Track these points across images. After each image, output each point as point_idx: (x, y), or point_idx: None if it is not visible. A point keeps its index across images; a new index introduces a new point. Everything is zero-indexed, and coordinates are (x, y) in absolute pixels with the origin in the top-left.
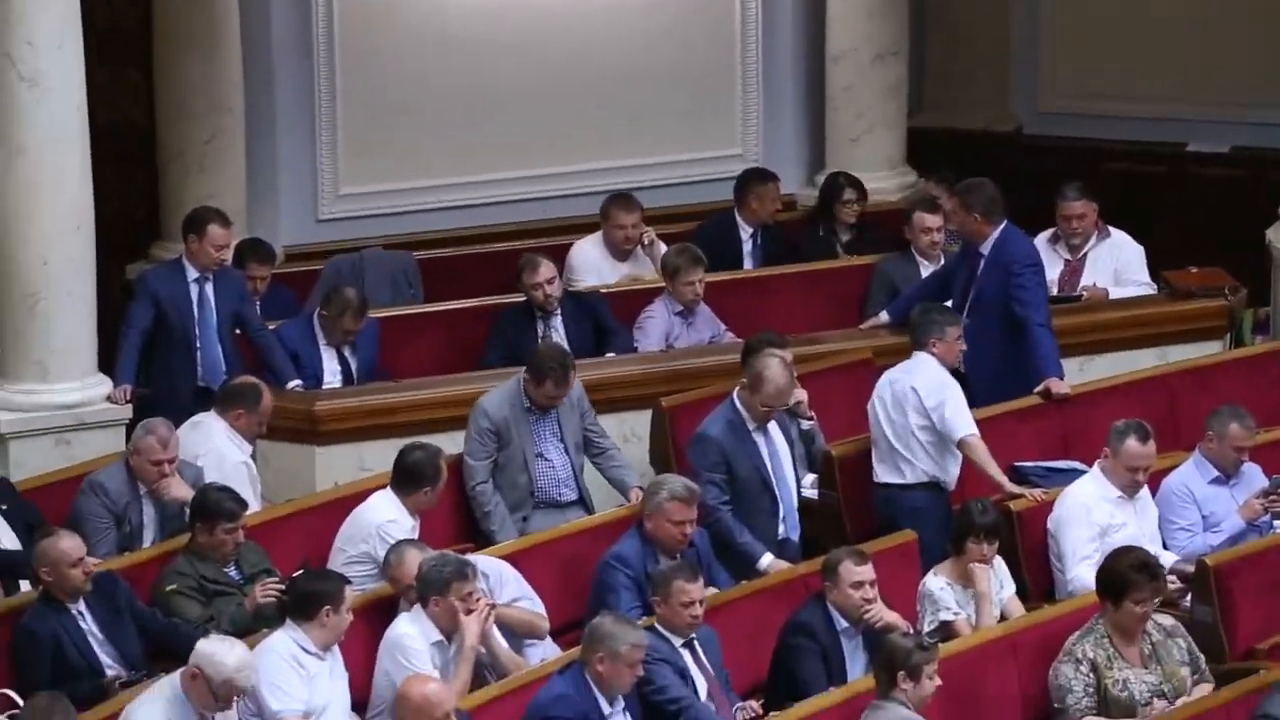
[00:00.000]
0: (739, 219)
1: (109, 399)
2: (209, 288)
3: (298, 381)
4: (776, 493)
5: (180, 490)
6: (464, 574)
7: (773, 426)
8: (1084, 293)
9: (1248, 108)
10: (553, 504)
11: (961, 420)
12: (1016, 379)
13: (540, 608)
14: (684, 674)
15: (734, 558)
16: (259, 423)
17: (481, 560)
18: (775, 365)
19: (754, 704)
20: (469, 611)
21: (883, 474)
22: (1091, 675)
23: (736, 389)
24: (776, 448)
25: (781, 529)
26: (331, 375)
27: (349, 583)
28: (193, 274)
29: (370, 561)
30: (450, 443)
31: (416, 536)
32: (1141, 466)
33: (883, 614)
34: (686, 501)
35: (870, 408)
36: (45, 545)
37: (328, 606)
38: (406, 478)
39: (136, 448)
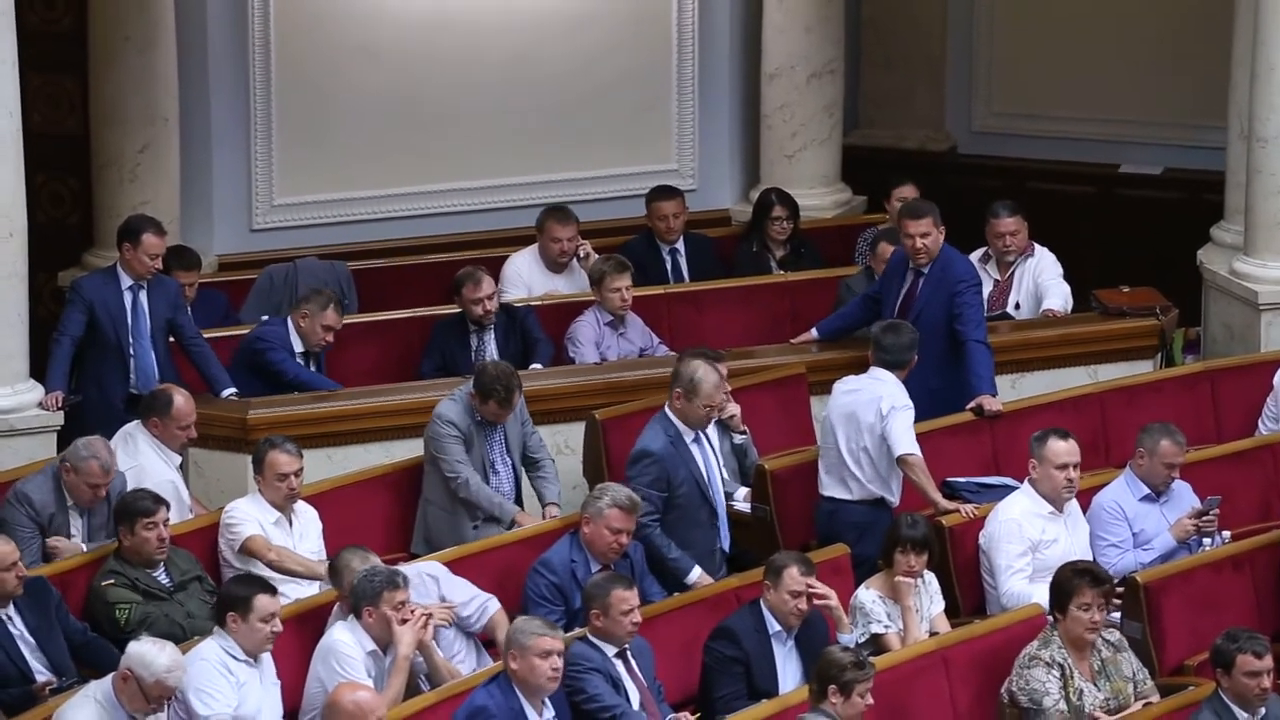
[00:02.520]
0: (655, 238)
1: (40, 405)
2: (143, 295)
3: (233, 389)
4: (714, 503)
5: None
6: (395, 583)
7: (710, 434)
8: (1015, 310)
9: (1181, 129)
10: (494, 517)
11: (909, 438)
12: (952, 396)
13: (493, 604)
14: (617, 684)
15: (664, 574)
16: (179, 428)
17: (425, 566)
18: (701, 364)
19: (687, 715)
20: (403, 621)
21: (829, 487)
22: (1061, 679)
23: (667, 402)
24: (709, 457)
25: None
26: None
27: (271, 590)
28: (127, 281)
29: (226, 548)
30: (383, 453)
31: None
32: (1069, 463)
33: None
34: (628, 511)
35: (823, 420)
36: None
37: (231, 613)
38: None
39: (75, 466)
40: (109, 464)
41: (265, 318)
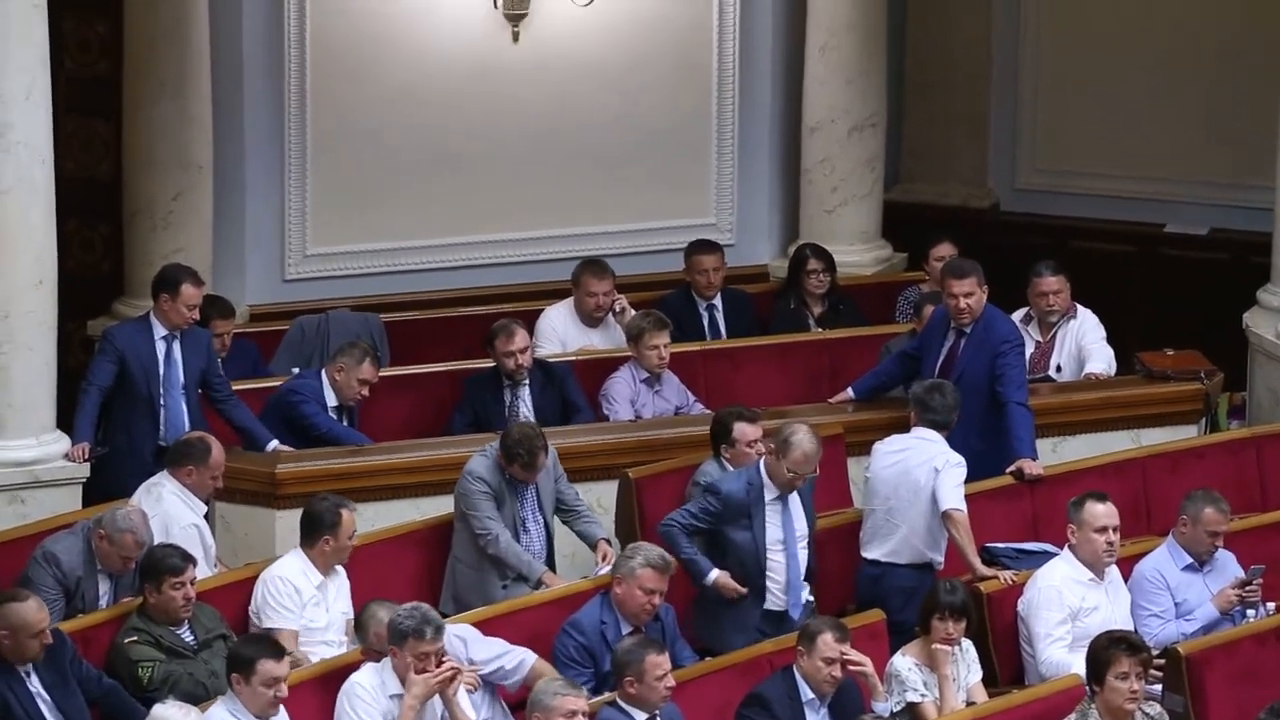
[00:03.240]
0: (693, 293)
1: (66, 457)
2: (176, 346)
3: (275, 441)
4: (764, 564)
5: None
6: (421, 633)
7: (794, 500)
8: (1056, 373)
9: (1228, 189)
10: (522, 575)
11: (958, 494)
12: (993, 458)
13: (530, 656)
14: None
15: (714, 615)
16: (211, 478)
17: (455, 627)
18: (803, 431)
19: None
20: (420, 671)
21: (873, 550)
22: None
23: (764, 456)
24: (793, 520)
25: (780, 602)
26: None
27: (278, 654)
28: (160, 331)
29: (255, 611)
30: (412, 509)
31: (337, 593)
32: (1109, 525)
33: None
34: (661, 571)
35: (867, 482)
36: (11, 609)
37: (235, 675)
38: (307, 528)
39: (110, 536)
40: (145, 539)
41: (296, 370)
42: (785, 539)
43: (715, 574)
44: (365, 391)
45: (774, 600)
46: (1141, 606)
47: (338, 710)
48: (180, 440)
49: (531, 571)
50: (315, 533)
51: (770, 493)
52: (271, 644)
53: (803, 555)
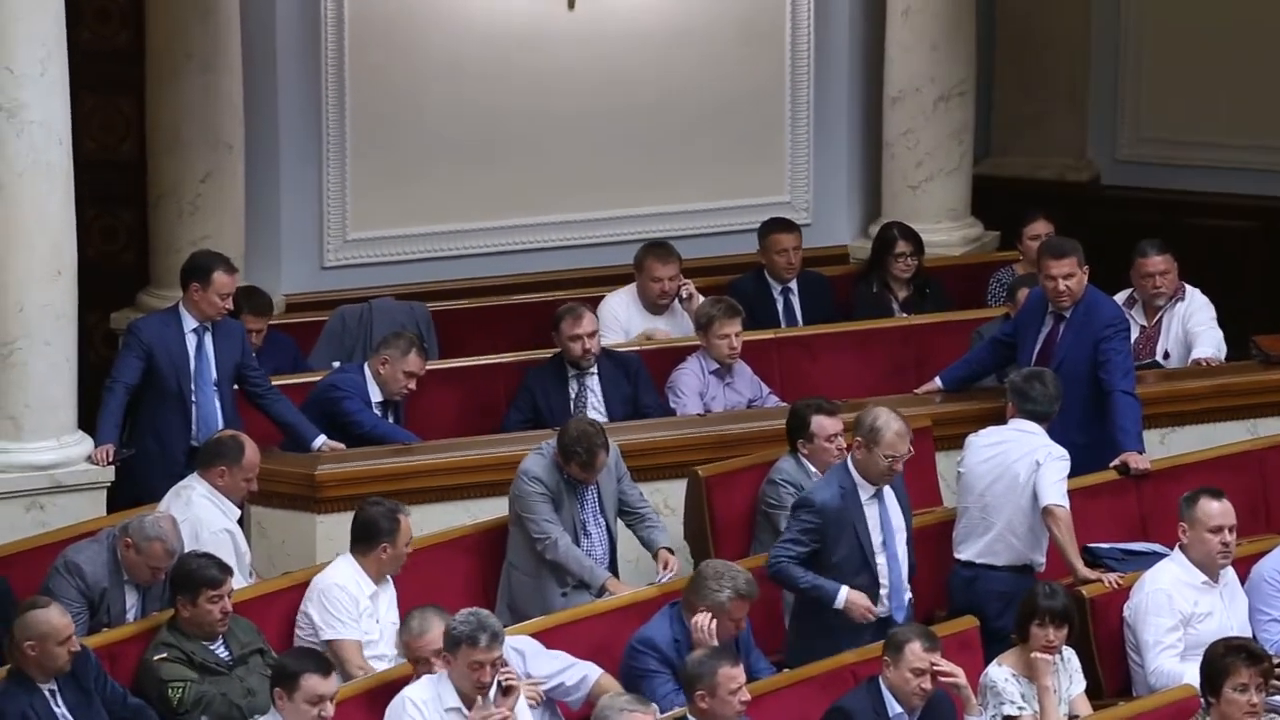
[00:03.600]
0: (766, 275)
1: (89, 460)
2: (209, 339)
3: (323, 438)
4: (876, 570)
5: None
6: (475, 639)
7: (889, 494)
8: (1164, 360)
9: None
10: (584, 582)
11: (1060, 489)
12: (1097, 452)
13: (594, 671)
14: None
15: (818, 624)
16: (245, 479)
17: (512, 639)
18: (885, 411)
19: None
20: (479, 681)
21: (967, 551)
22: None
23: (849, 455)
24: (890, 517)
25: (883, 608)
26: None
27: (326, 670)
28: (190, 323)
29: (308, 622)
30: (463, 512)
31: (388, 604)
32: (1224, 525)
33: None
34: (749, 598)
35: (962, 478)
36: (33, 617)
37: (278, 689)
38: (362, 534)
39: (137, 545)
40: (175, 548)
41: (337, 364)
42: (885, 540)
43: (845, 594)
44: (412, 385)
45: (880, 606)
46: (1260, 611)
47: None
48: (211, 439)
49: (594, 578)
50: (372, 540)
51: (865, 492)
52: (318, 658)
53: (903, 554)
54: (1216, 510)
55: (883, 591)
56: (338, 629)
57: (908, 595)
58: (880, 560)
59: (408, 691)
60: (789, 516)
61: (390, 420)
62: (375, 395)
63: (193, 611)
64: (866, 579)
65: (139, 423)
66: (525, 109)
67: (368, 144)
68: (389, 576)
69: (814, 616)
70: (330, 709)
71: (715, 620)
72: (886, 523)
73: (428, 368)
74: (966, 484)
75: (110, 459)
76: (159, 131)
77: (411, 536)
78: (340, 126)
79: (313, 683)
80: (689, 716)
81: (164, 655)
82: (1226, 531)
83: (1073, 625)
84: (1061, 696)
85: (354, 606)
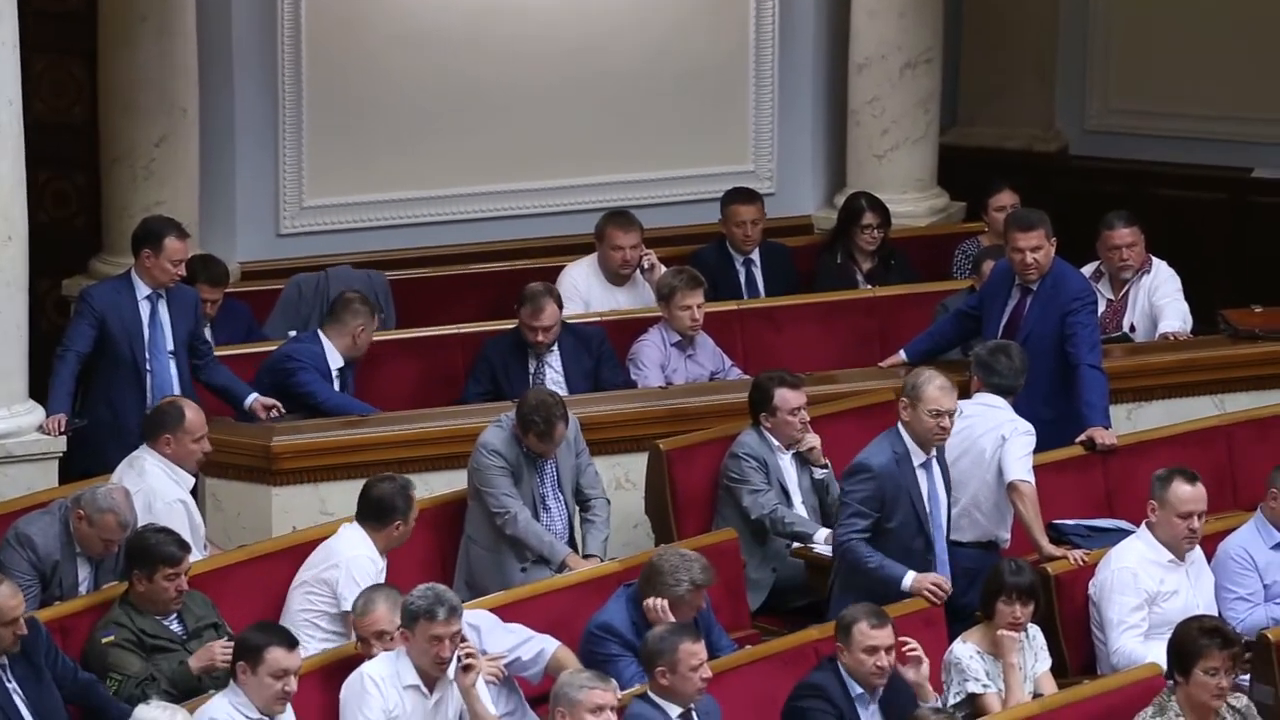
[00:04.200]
0: (729, 247)
1: (40, 429)
2: (162, 306)
3: (255, 395)
4: (930, 536)
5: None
6: (433, 613)
7: (934, 466)
8: (1132, 330)
9: None
10: (544, 557)
11: (1025, 465)
12: (1064, 428)
13: (550, 644)
14: None
15: (868, 585)
16: (193, 442)
17: (468, 614)
18: (925, 370)
19: None
20: (438, 656)
21: None
22: None
23: (900, 420)
24: (937, 489)
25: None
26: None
27: (291, 644)
28: (143, 291)
29: (327, 590)
30: (421, 486)
31: (384, 579)
32: (1194, 512)
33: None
34: (707, 585)
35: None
36: None
37: (241, 663)
38: (376, 511)
39: (90, 517)
40: (128, 520)
41: (293, 332)
42: (932, 510)
43: (911, 578)
44: (363, 347)
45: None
46: (1227, 589)
47: (341, 705)
48: (151, 410)
49: (554, 553)
50: (386, 517)
51: (917, 457)
52: (283, 632)
53: (945, 527)
54: (1188, 495)
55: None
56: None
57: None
58: (930, 529)
59: (366, 668)
60: (845, 483)
61: (340, 387)
62: (336, 361)
63: (148, 587)
64: (922, 544)
65: (92, 392)
66: (486, 76)
67: (325, 110)
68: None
69: (863, 579)
70: (294, 684)
71: (674, 607)
72: (934, 494)
73: (385, 338)
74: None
75: (62, 429)
76: (112, 95)
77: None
78: (297, 91)
79: (277, 655)
80: (649, 693)
81: (111, 638)
82: (1195, 518)
83: (1038, 602)
84: (1026, 674)
85: (379, 576)
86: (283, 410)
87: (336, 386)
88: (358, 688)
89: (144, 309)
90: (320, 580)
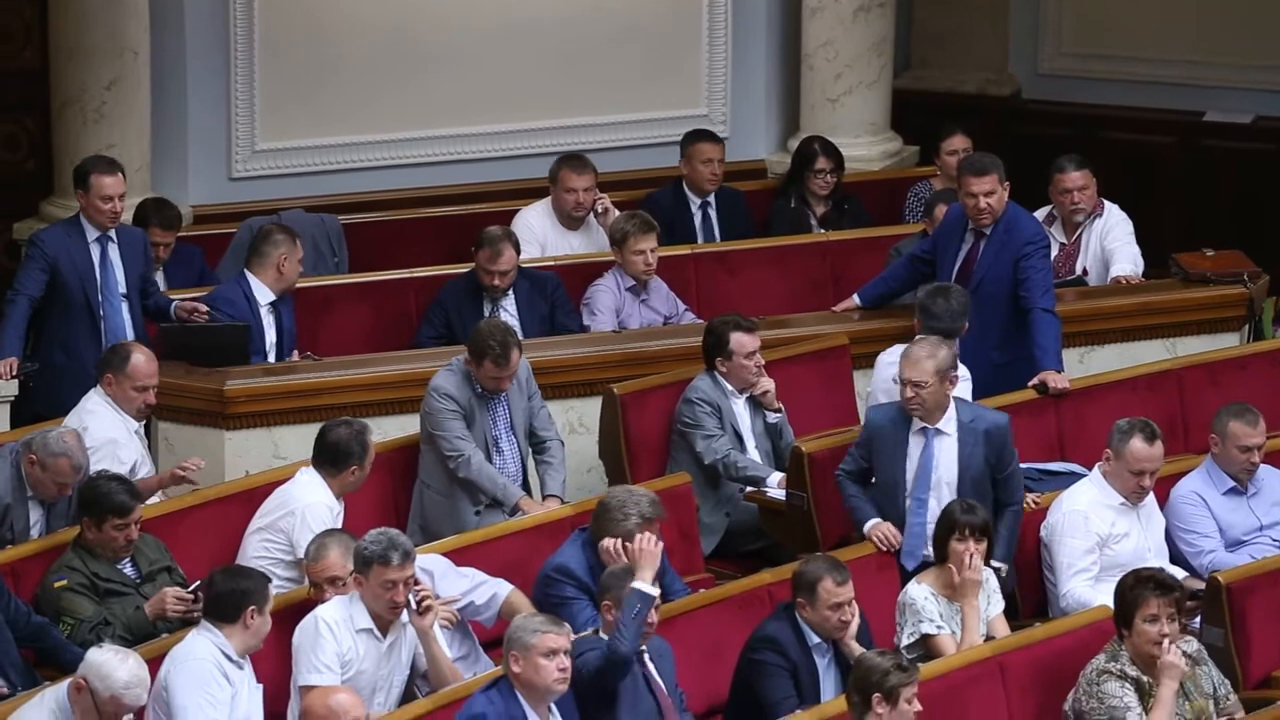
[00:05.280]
0: (686, 190)
1: None
2: (113, 249)
3: (176, 301)
4: (901, 505)
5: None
6: (387, 558)
7: (944, 442)
8: (1085, 274)
9: (1275, 72)
10: (499, 501)
11: None
12: (1017, 371)
13: (503, 588)
14: (634, 688)
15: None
16: (134, 389)
17: (421, 559)
18: (897, 348)
19: None
20: (393, 601)
21: None
22: (1136, 694)
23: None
24: (933, 465)
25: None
26: (272, 342)
27: (269, 581)
28: (93, 233)
29: (283, 537)
30: (375, 429)
31: (341, 524)
32: (1148, 470)
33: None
34: (656, 519)
35: (868, 396)
36: None
37: (252, 607)
38: (331, 456)
39: (43, 462)
40: (81, 462)
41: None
42: (919, 482)
43: (871, 525)
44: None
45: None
46: (1184, 530)
47: (294, 649)
48: (107, 349)
49: (507, 496)
50: (342, 462)
51: (915, 424)
52: (264, 577)
53: (934, 507)
54: (1143, 454)
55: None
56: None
57: (926, 550)
58: (908, 502)
59: (319, 612)
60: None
61: (275, 324)
62: (266, 297)
63: (97, 535)
64: (900, 508)
65: (46, 336)
66: (441, 19)
67: (277, 52)
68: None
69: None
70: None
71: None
72: (927, 468)
73: (337, 282)
74: (871, 403)
75: (14, 373)
76: (61, 38)
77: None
78: (249, 33)
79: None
80: (600, 634)
81: (64, 582)
82: (1147, 476)
83: (991, 541)
84: (980, 617)
85: (337, 524)
86: (205, 312)
87: (268, 324)
88: (311, 631)
89: (94, 251)
90: (276, 528)
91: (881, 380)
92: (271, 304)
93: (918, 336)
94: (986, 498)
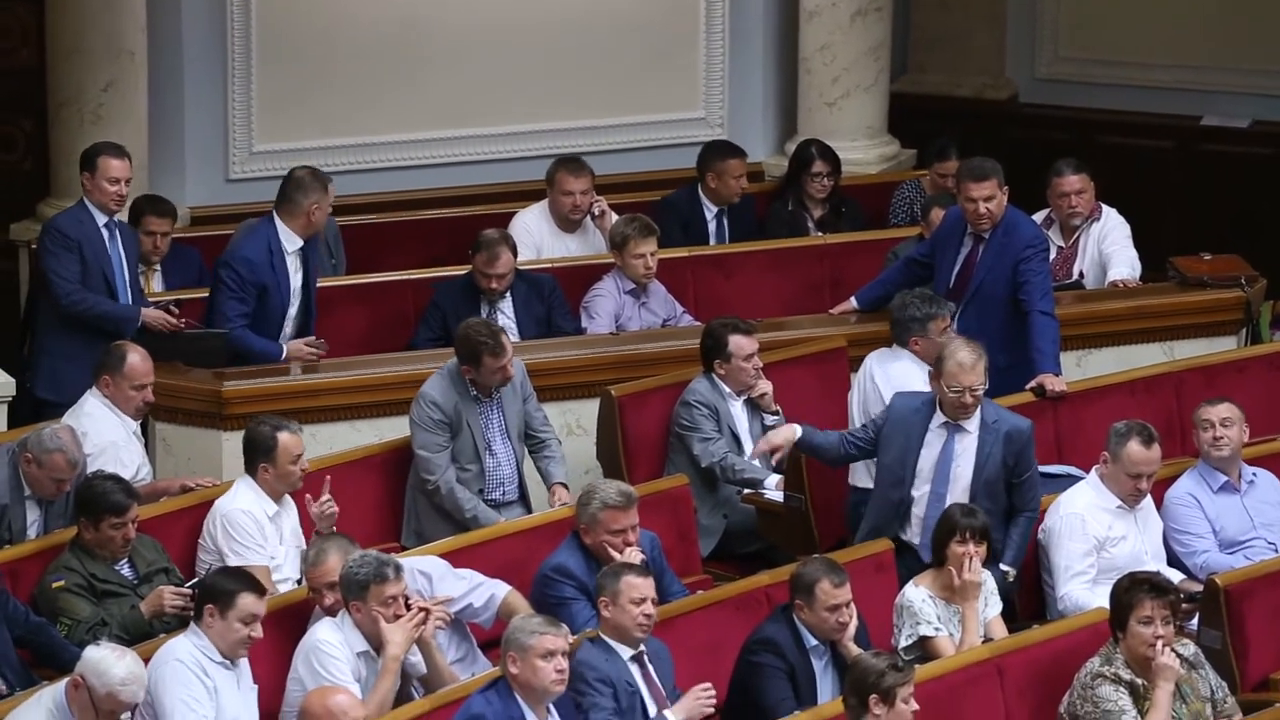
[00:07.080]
0: (702, 196)
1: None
2: (118, 236)
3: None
4: (907, 496)
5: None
6: (384, 575)
7: (966, 440)
8: (1082, 278)
9: (1271, 77)
10: (493, 503)
11: None
12: (1018, 374)
13: (501, 589)
14: (632, 691)
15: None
16: (132, 388)
17: (418, 561)
18: (954, 341)
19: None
20: (394, 617)
21: (859, 476)
22: (1130, 698)
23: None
24: (953, 462)
25: (914, 533)
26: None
27: (260, 592)
28: (101, 219)
29: (211, 545)
30: (371, 431)
31: (291, 526)
32: (1145, 473)
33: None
34: (622, 508)
35: (849, 400)
36: None
37: (210, 605)
38: (245, 454)
39: (38, 459)
40: (76, 458)
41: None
42: (937, 477)
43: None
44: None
45: (911, 532)
46: (1179, 531)
47: (303, 672)
48: (104, 350)
49: (477, 524)
50: (252, 459)
51: (938, 418)
52: (253, 579)
53: (964, 494)
54: (1140, 457)
55: (912, 527)
56: (244, 555)
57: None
58: (917, 493)
59: (320, 635)
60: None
61: (303, 273)
62: (294, 243)
63: (95, 535)
64: (896, 498)
65: (52, 329)
66: (438, 20)
67: (275, 54)
68: (288, 496)
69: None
70: (259, 630)
71: (593, 539)
72: (945, 464)
73: (336, 284)
74: (852, 407)
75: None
76: (59, 38)
77: (300, 454)
78: (246, 35)
79: (248, 601)
80: (600, 635)
81: (61, 582)
82: (1145, 479)
83: (990, 544)
84: (979, 619)
85: (259, 531)
86: (176, 313)
87: (294, 268)
88: (322, 654)
89: (105, 235)
90: (208, 535)
91: (884, 385)
92: (300, 249)
93: (953, 338)
94: (998, 500)
